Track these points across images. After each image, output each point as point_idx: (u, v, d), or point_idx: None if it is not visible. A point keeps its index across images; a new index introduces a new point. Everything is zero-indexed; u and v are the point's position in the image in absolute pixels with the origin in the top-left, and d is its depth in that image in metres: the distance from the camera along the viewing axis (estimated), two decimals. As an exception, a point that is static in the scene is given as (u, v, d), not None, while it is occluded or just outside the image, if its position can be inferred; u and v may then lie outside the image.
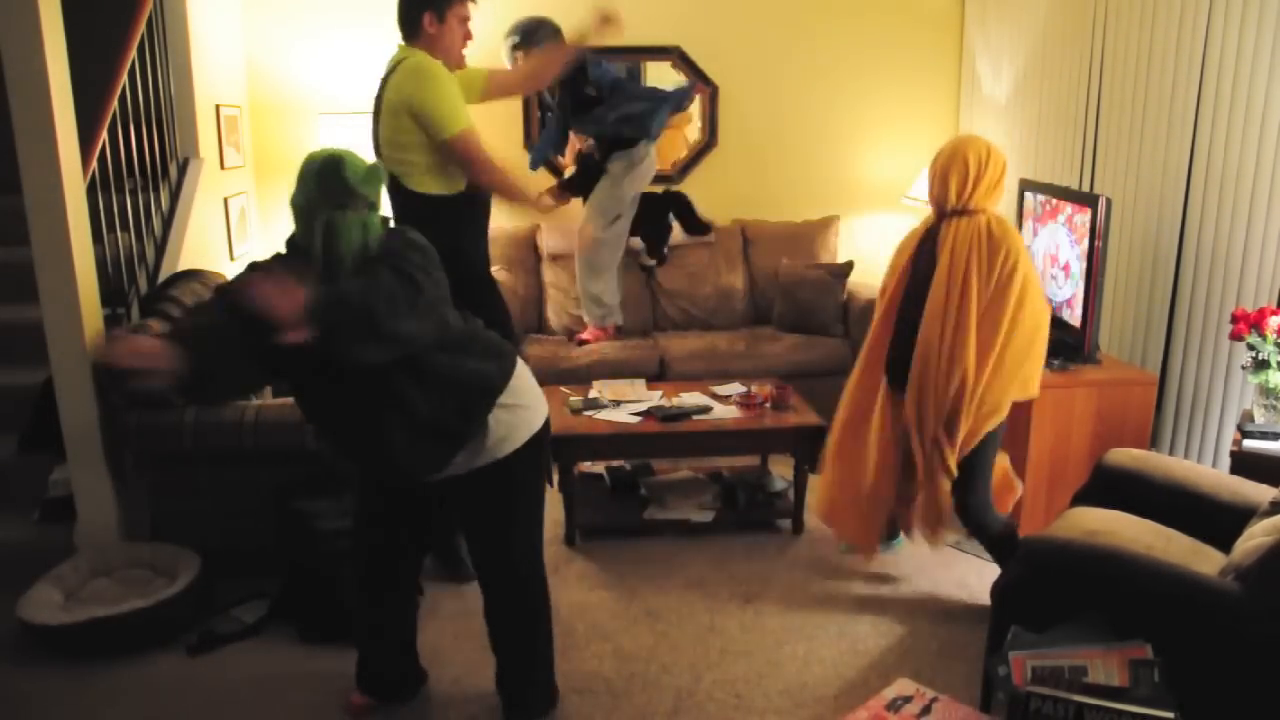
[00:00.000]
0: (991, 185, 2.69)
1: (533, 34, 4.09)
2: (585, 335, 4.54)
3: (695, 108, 5.11)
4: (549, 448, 2.33)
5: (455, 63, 3.00)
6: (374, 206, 2.05)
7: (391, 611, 2.45)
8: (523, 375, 2.25)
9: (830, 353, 4.52)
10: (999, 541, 2.90)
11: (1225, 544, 2.33)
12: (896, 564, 3.33)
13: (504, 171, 2.98)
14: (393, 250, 1.99)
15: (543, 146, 4.53)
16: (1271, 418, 2.96)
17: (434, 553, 3.12)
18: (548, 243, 4.84)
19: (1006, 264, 2.64)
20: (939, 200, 2.75)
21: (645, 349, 4.48)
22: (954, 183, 2.68)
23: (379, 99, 2.94)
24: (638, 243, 4.76)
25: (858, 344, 4.46)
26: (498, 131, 4.90)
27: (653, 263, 4.84)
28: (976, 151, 2.68)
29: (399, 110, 2.85)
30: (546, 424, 2.29)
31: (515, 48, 4.11)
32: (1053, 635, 2.04)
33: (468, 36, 3.03)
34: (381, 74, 2.97)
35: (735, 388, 3.80)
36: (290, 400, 3.06)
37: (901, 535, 3.38)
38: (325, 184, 2.00)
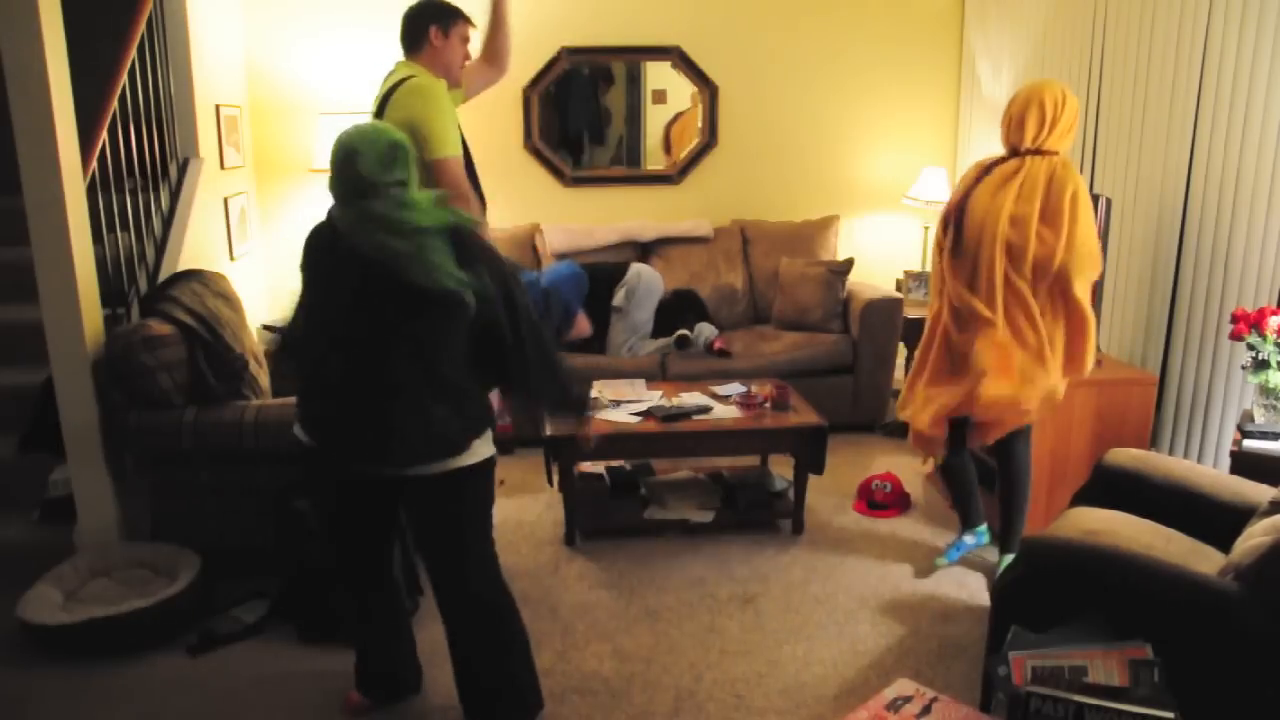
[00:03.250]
0: (1066, 128, 2.79)
1: None
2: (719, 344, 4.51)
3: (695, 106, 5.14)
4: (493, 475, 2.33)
5: (454, 80, 3.09)
6: (404, 184, 2.04)
7: (379, 611, 2.44)
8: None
9: (830, 350, 4.52)
10: (1021, 490, 3.03)
11: (1225, 544, 2.33)
12: (897, 563, 3.33)
13: (475, 210, 3.00)
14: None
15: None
16: (1271, 418, 2.96)
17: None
18: (549, 242, 4.84)
19: (1073, 202, 2.75)
20: (1014, 142, 2.83)
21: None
22: (1031, 125, 2.77)
23: (378, 115, 2.98)
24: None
25: (858, 342, 4.50)
26: (498, 130, 4.92)
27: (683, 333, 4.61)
28: (1053, 95, 2.77)
29: (400, 125, 2.88)
30: (495, 455, 2.30)
31: None
32: (1053, 635, 2.04)
33: (467, 57, 3.12)
34: (380, 90, 3.02)
35: (735, 388, 3.80)
36: (290, 400, 3.06)
37: (985, 526, 3.34)
38: (345, 178, 2.03)
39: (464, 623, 2.29)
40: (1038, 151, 2.79)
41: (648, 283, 4.51)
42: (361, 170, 2.00)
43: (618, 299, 4.47)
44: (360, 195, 2.02)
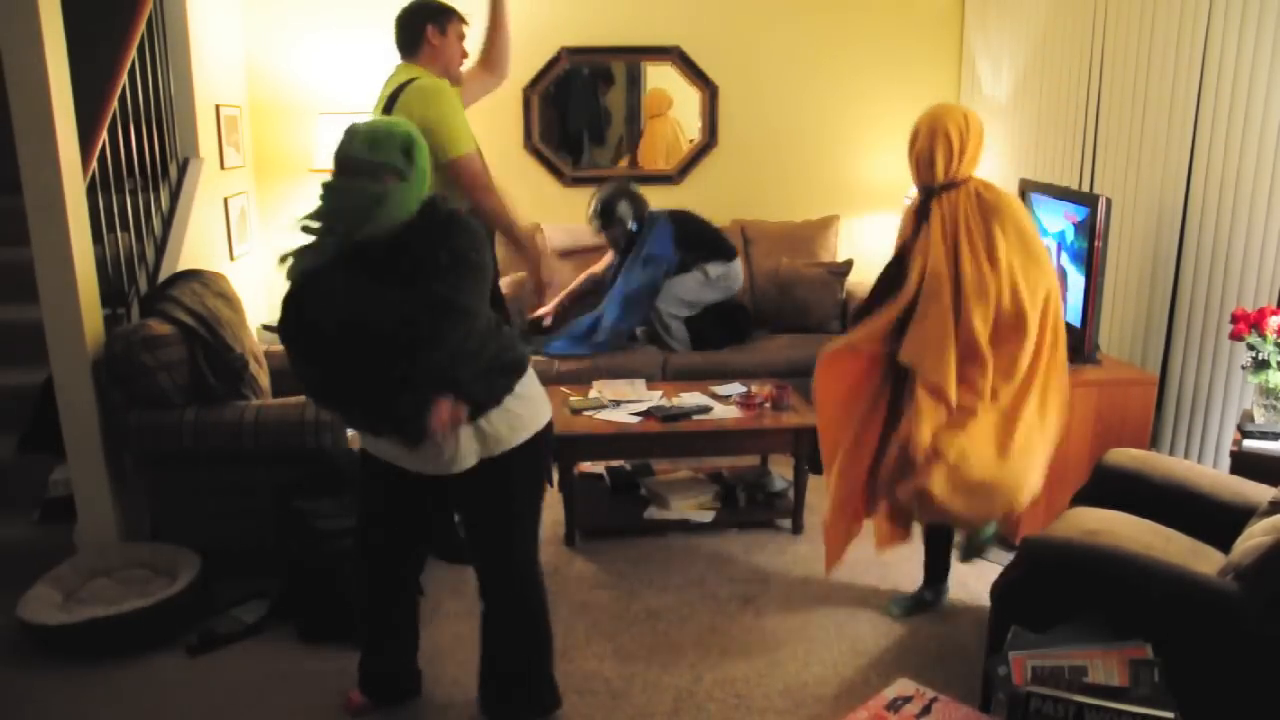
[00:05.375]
0: (974, 154, 2.59)
1: (610, 212, 4.40)
2: None
3: (695, 107, 5.13)
4: (550, 450, 2.32)
5: (455, 79, 3.08)
6: (402, 175, 1.99)
7: (396, 611, 2.45)
8: (532, 374, 2.27)
9: (830, 352, 4.51)
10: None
11: (1225, 544, 2.33)
12: (897, 563, 3.33)
13: (503, 199, 3.04)
14: (448, 233, 2.04)
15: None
16: (1271, 418, 2.96)
17: (435, 545, 3.09)
18: (550, 241, 4.84)
19: (1007, 229, 2.52)
20: (926, 181, 2.62)
21: (645, 349, 4.48)
22: (940, 161, 2.56)
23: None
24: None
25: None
26: (498, 130, 4.91)
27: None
28: (956, 124, 2.55)
29: None
30: (549, 426, 2.29)
31: (601, 229, 4.44)
32: (1053, 635, 2.04)
33: (464, 54, 3.12)
34: (384, 93, 3.00)
35: (735, 388, 3.80)
36: (290, 400, 3.06)
37: (947, 584, 3.11)
38: (335, 158, 2.02)
39: (502, 603, 2.31)
40: (950, 185, 2.59)
41: (737, 279, 4.61)
42: (350, 152, 1.99)
43: (712, 266, 4.52)
44: (342, 172, 2.00)
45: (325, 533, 2.83)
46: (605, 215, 4.43)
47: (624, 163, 5.20)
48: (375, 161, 1.98)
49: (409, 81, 2.94)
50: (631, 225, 4.43)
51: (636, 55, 5.04)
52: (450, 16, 3.04)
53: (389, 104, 2.95)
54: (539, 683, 2.41)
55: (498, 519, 2.26)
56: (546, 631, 2.39)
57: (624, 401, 3.66)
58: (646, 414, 3.53)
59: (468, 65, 3.20)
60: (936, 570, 3.07)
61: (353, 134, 2.01)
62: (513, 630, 2.34)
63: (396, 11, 3.06)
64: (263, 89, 4.80)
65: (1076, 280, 3.31)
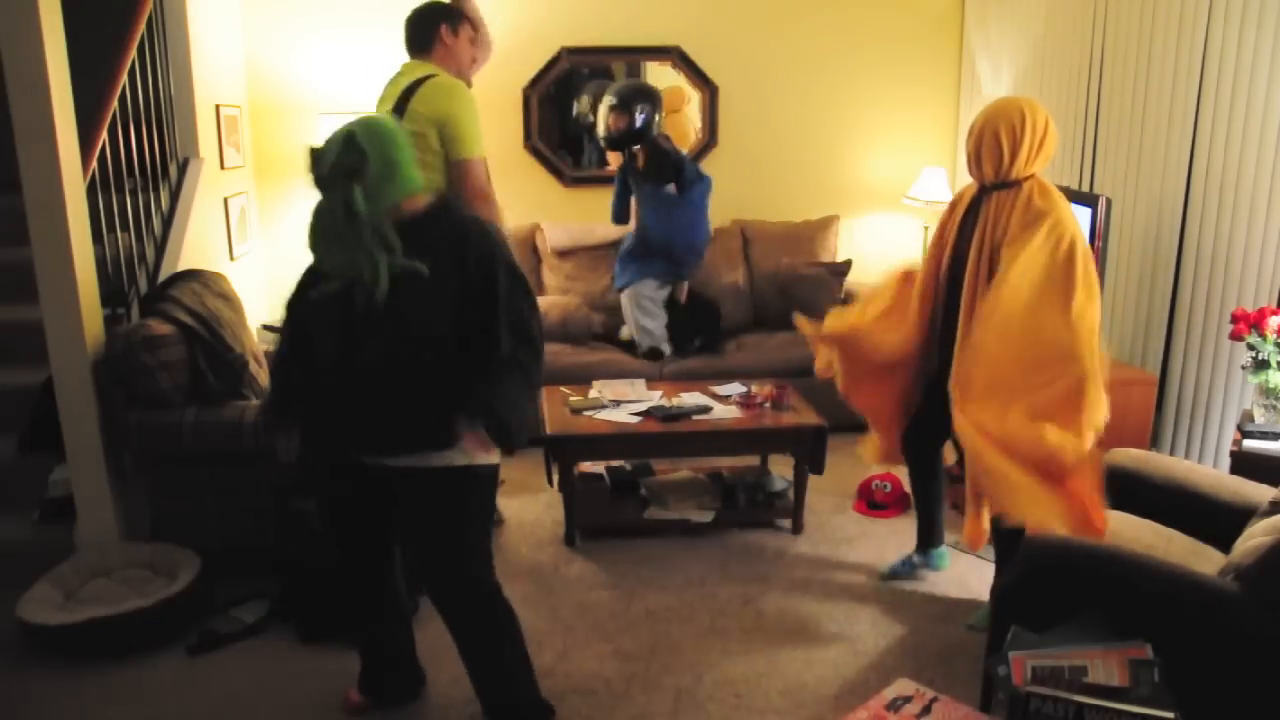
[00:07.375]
0: (1032, 151, 2.49)
1: (629, 101, 4.23)
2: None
3: (695, 107, 5.13)
4: (495, 492, 2.31)
5: (466, 80, 3.09)
6: (355, 173, 1.97)
7: (383, 613, 2.44)
8: None
9: (830, 352, 4.51)
10: (1010, 538, 2.84)
11: (1225, 544, 2.33)
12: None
13: (497, 212, 3.03)
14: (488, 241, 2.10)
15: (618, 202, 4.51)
16: (1271, 418, 2.96)
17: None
18: (550, 240, 4.85)
19: (1058, 240, 2.42)
20: (978, 179, 2.63)
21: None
22: (988, 162, 2.53)
23: (397, 112, 2.91)
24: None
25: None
26: (498, 130, 4.91)
27: (666, 351, 4.54)
28: (1009, 121, 2.48)
29: (428, 122, 2.88)
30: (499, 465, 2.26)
31: (612, 108, 4.24)
32: (1053, 635, 2.04)
33: (474, 58, 3.13)
34: (397, 86, 2.97)
35: (735, 388, 3.80)
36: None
37: (945, 548, 3.20)
38: (314, 181, 2.03)
39: (466, 628, 2.27)
40: (1003, 184, 2.57)
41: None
42: (317, 172, 2.00)
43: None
44: (322, 190, 2.01)
45: (325, 533, 2.83)
46: (624, 104, 4.23)
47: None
48: (332, 176, 1.98)
49: (427, 77, 2.92)
50: (639, 123, 4.24)
51: (636, 55, 5.04)
52: (461, 18, 3.07)
53: (403, 99, 2.91)
54: (528, 703, 2.36)
55: (450, 528, 2.18)
56: (521, 651, 2.32)
57: (624, 401, 3.66)
58: (646, 414, 3.53)
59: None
60: (928, 534, 3.17)
61: (317, 156, 2.02)
62: (485, 656, 2.28)
63: (396, 11, 3.07)
64: (263, 89, 4.80)
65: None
